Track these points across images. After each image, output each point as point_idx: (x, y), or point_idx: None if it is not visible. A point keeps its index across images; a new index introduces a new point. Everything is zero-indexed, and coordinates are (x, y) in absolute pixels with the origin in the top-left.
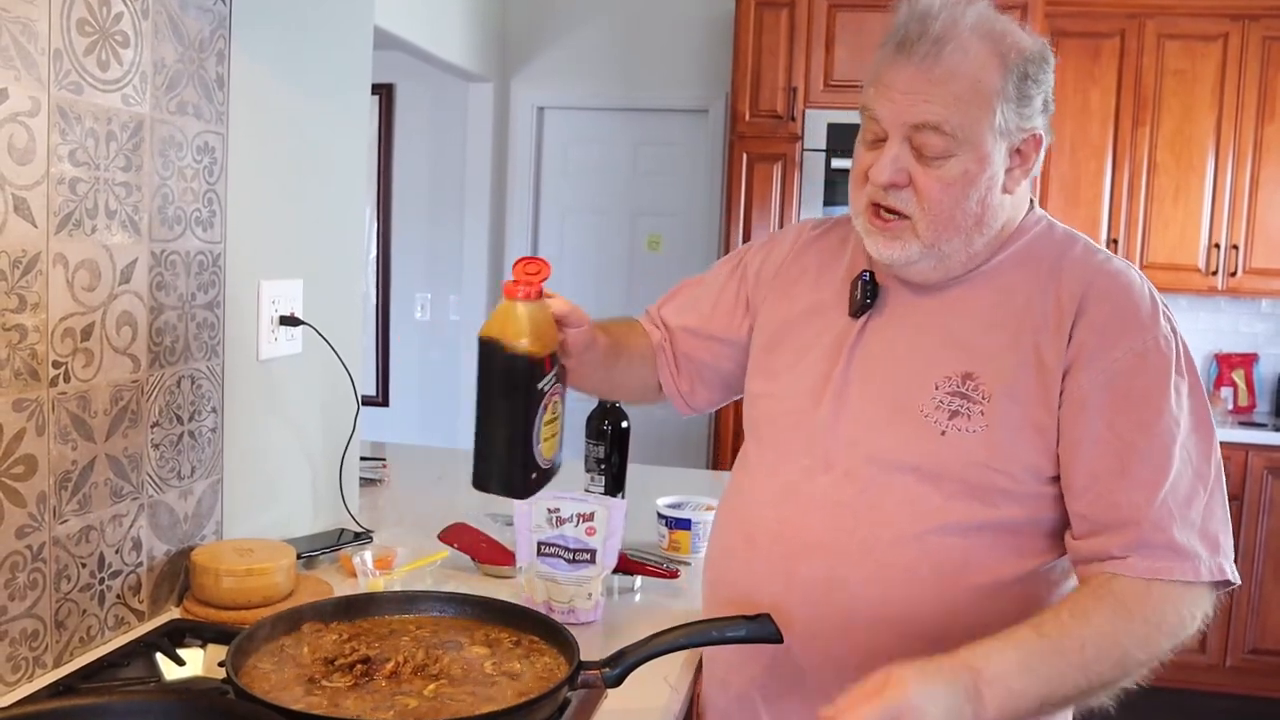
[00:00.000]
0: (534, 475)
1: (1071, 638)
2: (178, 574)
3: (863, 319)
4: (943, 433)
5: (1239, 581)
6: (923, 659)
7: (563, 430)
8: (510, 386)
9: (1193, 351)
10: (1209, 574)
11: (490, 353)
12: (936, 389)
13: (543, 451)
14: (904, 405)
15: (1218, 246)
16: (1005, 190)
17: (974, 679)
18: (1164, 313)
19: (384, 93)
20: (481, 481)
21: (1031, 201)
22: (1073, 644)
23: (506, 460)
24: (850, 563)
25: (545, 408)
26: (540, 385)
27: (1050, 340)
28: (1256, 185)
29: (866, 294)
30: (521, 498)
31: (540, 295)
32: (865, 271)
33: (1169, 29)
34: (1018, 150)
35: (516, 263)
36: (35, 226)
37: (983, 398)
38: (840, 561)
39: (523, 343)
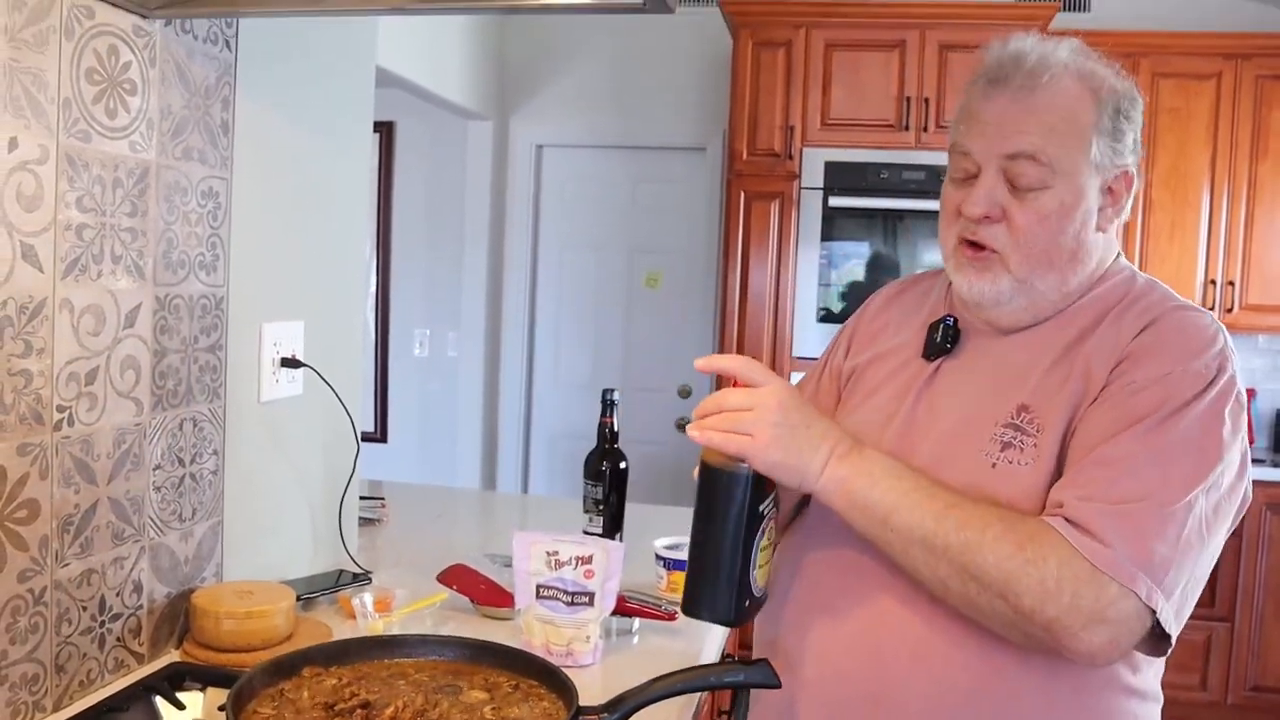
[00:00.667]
0: (747, 603)
1: (950, 494)
2: (178, 616)
3: (937, 362)
4: (993, 465)
5: (1161, 613)
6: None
7: (775, 554)
8: (732, 510)
9: (1244, 389)
10: (1112, 568)
11: (714, 476)
12: (996, 425)
13: (757, 578)
14: (966, 442)
15: (1214, 283)
16: (1100, 228)
17: (852, 442)
18: (1220, 352)
19: (384, 130)
20: (693, 608)
21: (1119, 252)
22: (949, 497)
23: (724, 587)
24: (899, 598)
25: (764, 533)
26: (761, 508)
27: (1099, 368)
28: (1252, 222)
29: (947, 338)
30: (733, 626)
31: None
32: (948, 316)
33: (1163, 68)
34: (1109, 188)
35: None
36: (42, 272)
37: (1036, 430)
38: (889, 597)
39: (745, 465)
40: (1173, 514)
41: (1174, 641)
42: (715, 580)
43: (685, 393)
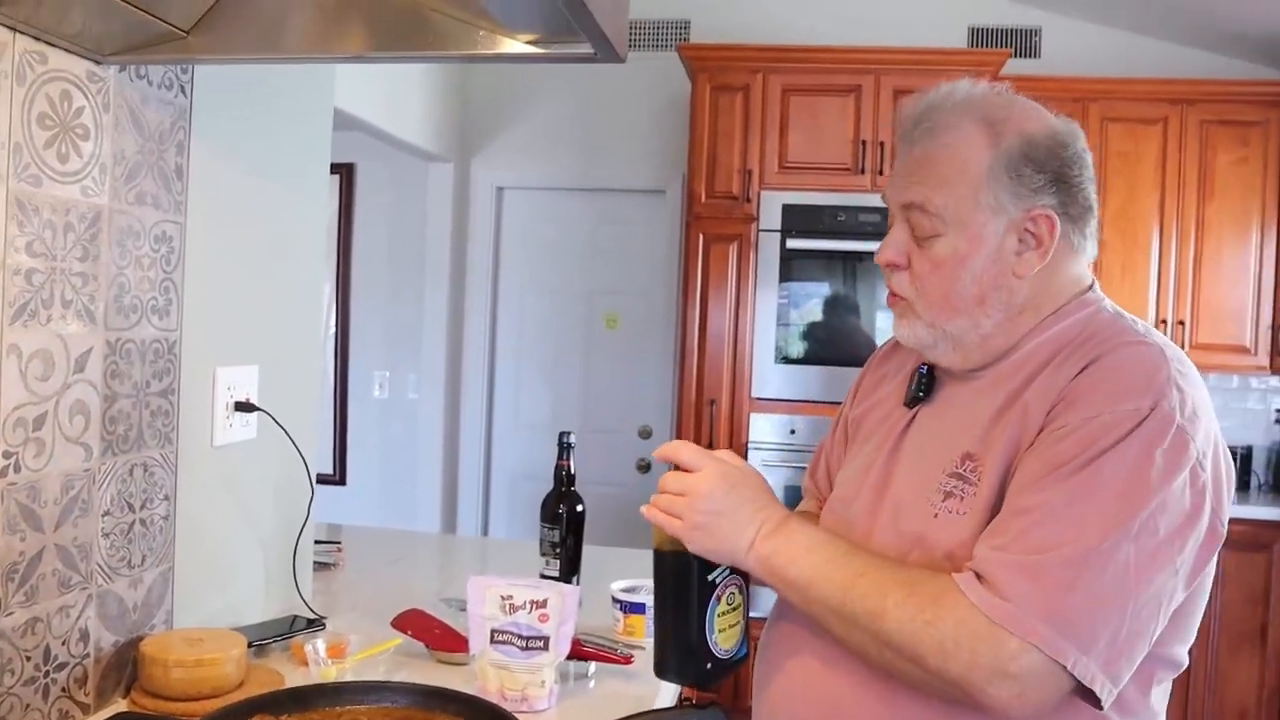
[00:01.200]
0: (709, 665)
1: (862, 561)
2: (125, 665)
3: (914, 410)
4: (935, 515)
5: (1086, 678)
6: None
7: (746, 619)
8: (680, 584)
9: (1207, 424)
10: (1010, 622)
11: (661, 558)
12: (943, 472)
13: (719, 641)
14: (920, 491)
15: (1164, 322)
16: (1016, 274)
17: (777, 521)
18: (1163, 389)
19: (344, 172)
20: (661, 671)
21: (1092, 285)
22: (858, 565)
23: (684, 652)
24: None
25: (719, 599)
26: (710, 577)
27: (1036, 413)
28: (1200, 263)
29: (920, 385)
30: (703, 687)
31: None
32: (924, 364)
33: (1111, 113)
34: (1028, 231)
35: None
36: None
37: (977, 478)
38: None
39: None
40: (1086, 563)
41: (1106, 697)
42: (676, 647)
43: (645, 434)
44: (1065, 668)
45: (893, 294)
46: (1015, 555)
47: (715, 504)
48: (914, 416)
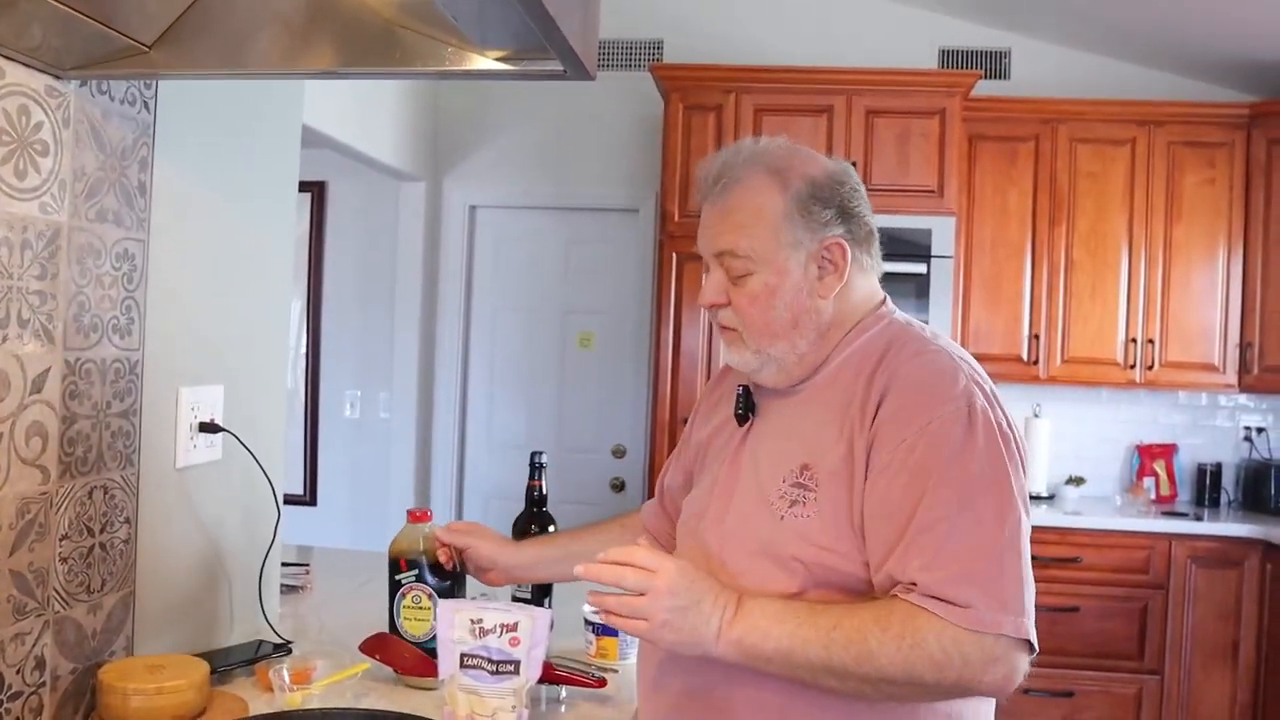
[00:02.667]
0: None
1: (830, 615)
2: (84, 693)
3: (746, 427)
4: (781, 518)
5: (1030, 638)
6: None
7: (434, 618)
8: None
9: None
10: (980, 624)
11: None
12: (783, 481)
13: (404, 627)
14: (761, 497)
15: (1134, 341)
16: (820, 295)
17: (733, 601)
18: (966, 387)
19: (315, 190)
20: None
21: (885, 300)
22: (828, 620)
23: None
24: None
25: (405, 596)
26: (397, 577)
27: (858, 432)
28: (1169, 282)
29: (740, 405)
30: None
31: (425, 519)
32: (740, 385)
33: (1081, 133)
34: (825, 258)
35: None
36: None
37: (815, 485)
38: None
39: (391, 549)
40: (1001, 552)
41: (1036, 643)
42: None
43: (619, 453)
44: (1020, 637)
45: (723, 326)
46: (948, 571)
47: (679, 599)
48: (747, 432)
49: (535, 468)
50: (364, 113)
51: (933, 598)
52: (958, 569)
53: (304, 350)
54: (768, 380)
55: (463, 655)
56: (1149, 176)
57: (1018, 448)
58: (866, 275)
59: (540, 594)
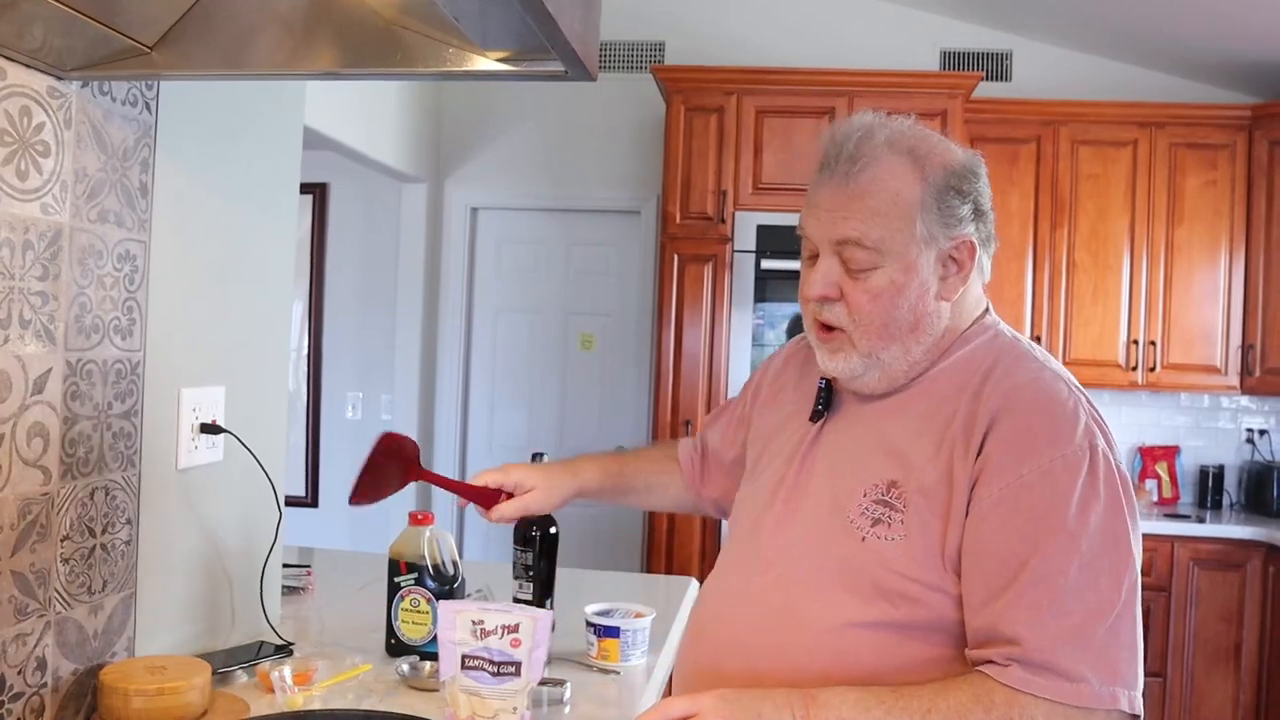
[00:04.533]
0: (392, 641)
1: (921, 699)
2: (85, 694)
3: (819, 424)
4: (863, 539)
5: (1139, 711)
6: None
7: (433, 622)
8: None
9: (1117, 445)
10: (1095, 700)
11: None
12: (865, 496)
13: (402, 630)
14: (837, 510)
15: (1136, 343)
16: (941, 298)
17: (804, 698)
18: (1088, 426)
19: (317, 192)
20: None
21: (987, 309)
22: (919, 705)
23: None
24: (769, 663)
25: (404, 599)
26: (396, 579)
27: (961, 455)
28: (1170, 284)
29: (819, 400)
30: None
31: (426, 521)
32: (823, 379)
33: (1082, 135)
34: (951, 258)
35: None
36: None
37: (904, 506)
38: (761, 661)
39: (392, 551)
40: (1119, 618)
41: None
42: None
43: None
44: (1127, 712)
45: (829, 328)
46: (1057, 629)
47: (736, 716)
48: (819, 431)
49: None
50: (366, 114)
51: (1039, 666)
52: (1070, 631)
53: (306, 351)
54: (864, 387)
55: (464, 656)
56: (1150, 178)
57: (1133, 494)
58: (978, 280)
59: (542, 595)
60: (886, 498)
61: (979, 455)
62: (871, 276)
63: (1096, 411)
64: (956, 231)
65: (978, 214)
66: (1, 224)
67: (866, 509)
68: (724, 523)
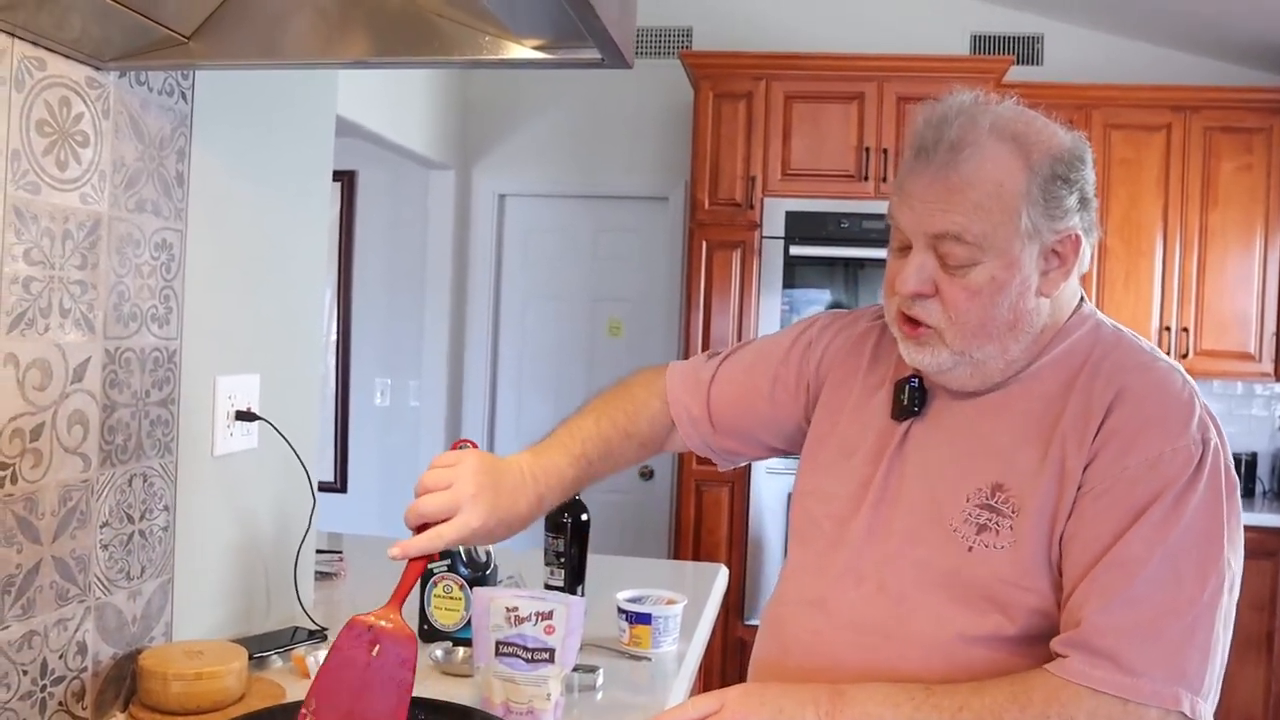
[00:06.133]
0: (425, 627)
1: (954, 697)
2: (124, 678)
3: (906, 424)
4: (970, 549)
5: (1200, 718)
6: None
7: (466, 608)
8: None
9: (1228, 444)
10: (1152, 698)
11: None
12: (967, 501)
13: (434, 616)
14: (937, 518)
15: (1169, 329)
16: (1042, 293)
17: (831, 693)
18: (1202, 420)
19: (346, 179)
20: None
21: (1082, 299)
22: (951, 702)
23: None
24: (874, 680)
25: (436, 585)
26: (429, 566)
27: (1074, 447)
28: (1204, 270)
29: (914, 401)
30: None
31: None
32: (914, 377)
33: (1114, 119)
34: (1054, 251)
35: None
36: None
37: (1012, 511)
38: (865, 679)
39: None
40: (1197, 619)
41: None
42: None
43: None
44: (1187, 715)
45: (917, 323)
46: (1126, 618)
47: (762, 717)
48: (907, 432)
49: None
50: (394, 101)
51: (1100, 655)
52: (1139, 622)
53: (334, 338)
54: (953, 382)
55: (498, 643)
56: (1184, 163)
57: (1238, 500)
58: (1077, 272)
59: (573, 581)
60: (992, 502)
61: (1092, 445)
62: (970, 273)
63: (1209, 408)
64: (1061, 224)
65: (1083, 203)
66: (42, 214)
67: (970, 515)
68: (751, 508)
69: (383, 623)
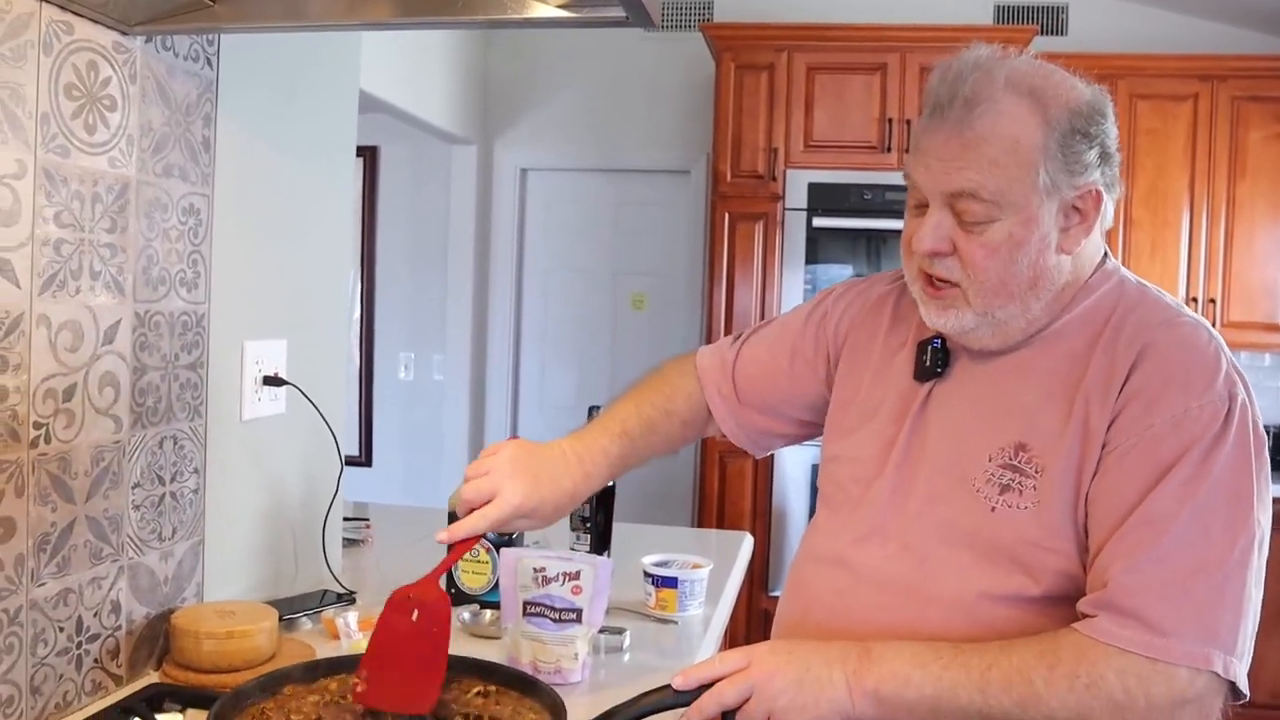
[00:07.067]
0: (452, 590)
1: (982, 655)
2: (157, 637)
3: (929, 385)
4: (993, 509)
5: (1239, 680)
6: None
7: (493, 571)
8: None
9: (1256, 400)
10: (1183, 658)
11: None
12: (990, 461)
13: (462, 580)
14: (960, 478)
15: (1195, 300)
16: (1062, 250)
17: (860, 651)
18: (1228, 375)
19: (368, 155)
20: None
21: (1106, 254)
22: (980, 661)
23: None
24: (897, 639)
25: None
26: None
27: (1098, 406)
28: (1231, 240)
29: (937, 362)
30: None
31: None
32: (936, 338)
33: (1141, 89)
34: (1074, 207)
35: None
36: (19, 288)
37: (1035, 471)
38: (887, 638)
39: (451, 502)
40: (1227, 577)
41: (1245, 687)
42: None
43: None
44: (1221, 675)
45: (938, 282)
46: (1155, 576)
47: (786, 675)
48: (929, 393)
49: None
50: (415, 75)
51: (1127, 615)
52: (1167, 581)
53: (358, 314)
54: (975, 342)
55: (526, 603)
56: (1212, 132)
57: (1267, 456)
58: (1100, 227)
59: (599, 547)
60: (1015, 462)
61: (1116, 403)
62: (988, 230)
63: (1236, 363)
64: (1081, 179)
65: (1104, 158)
66: (71, 176)
67: (993, 475)
68: (775, 479)
69: (420, 592)
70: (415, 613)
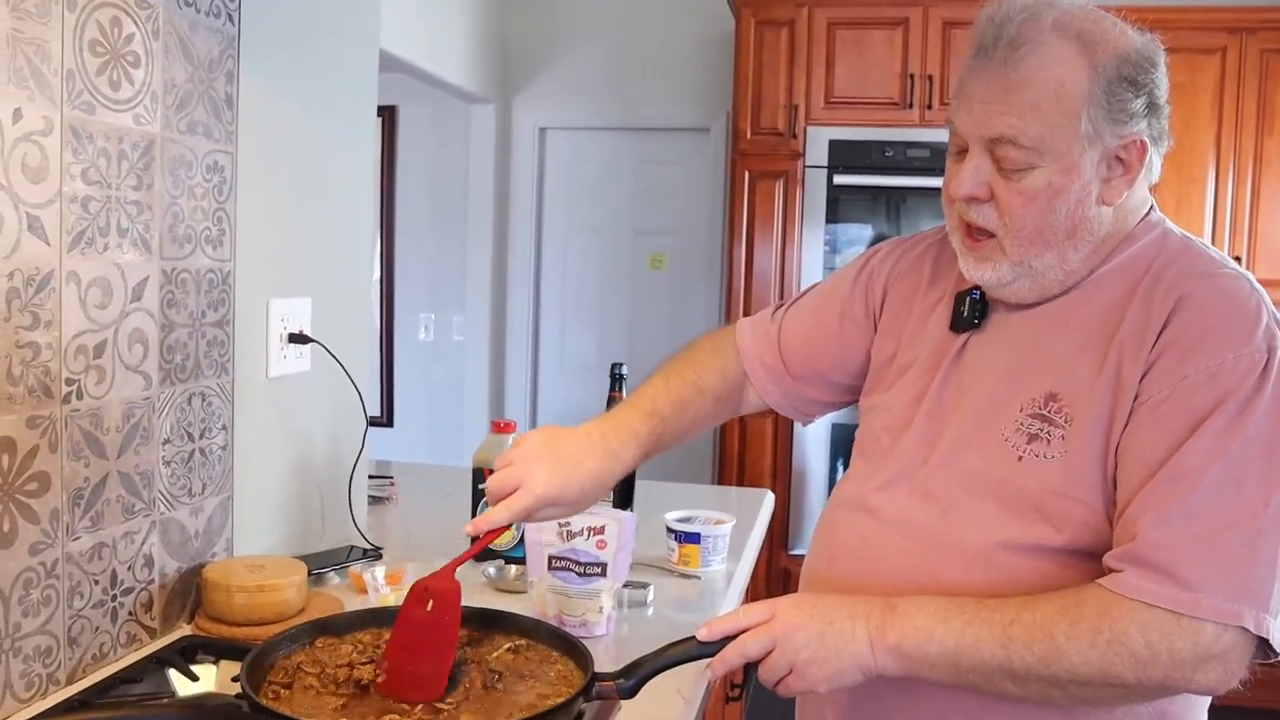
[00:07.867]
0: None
1: (1005, 611)
2: (189, 591)
3: (964, 336)
4: (1019, 458)
5: (1272, 636)
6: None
7: (518, 528)
8: None
9: None
10: (1211, 613)
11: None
12: (1020, 411)
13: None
14: (989, 427)
15: None
16: (1103, 201)
17: (883, 606)
18: (1269, 328)
19: (387, 114)
20: None
21: (1152, 207)
22: (1002, 616)
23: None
24: (918, 587)
25: (488, 505)
26: (481, 487)
27: (1131, 356)
28: (1258, 197)
29: (975, 312)
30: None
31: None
32: (975, 289)
33: (1168, 42)
34: (1117, 158)
35: None
36: (48, 245)
37: (1065, 421)
38: (909, 585)
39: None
40: (1261, 532)
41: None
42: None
43: None
44: (1252, 631)
45: (975, 231)
46: (1184, 530)
47: (809, 628)
48: (964, 344)
49: (616, 379)
50: (434, 34)
51: (1154, 569)
52: (1196, 535)
53: (378, 275)
54: (1012, 296)
55: (551, 558)
56: (1240, 87)
57: None
58: (1146, 179)
59: (622, 504)
60: (1045, 412)
61: (1150, 354)
62: (1027, 177)
63: (1275, 318)
64: (1126, 129)
65: (1151, 108)
66: (98, 133)
67: (1022, 425)
68: (795, 438)
69: (436, 582)
70: (430, 603)
